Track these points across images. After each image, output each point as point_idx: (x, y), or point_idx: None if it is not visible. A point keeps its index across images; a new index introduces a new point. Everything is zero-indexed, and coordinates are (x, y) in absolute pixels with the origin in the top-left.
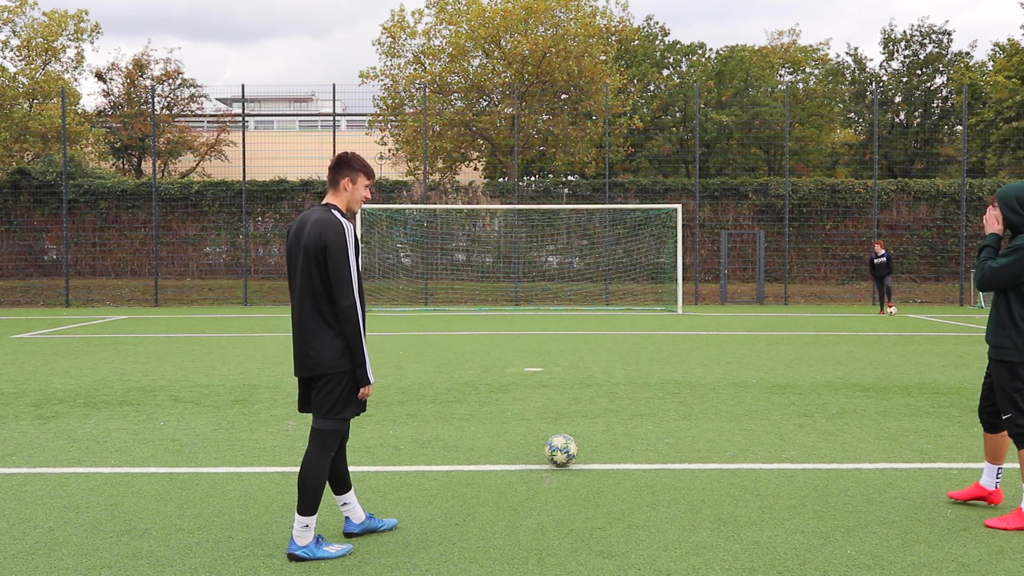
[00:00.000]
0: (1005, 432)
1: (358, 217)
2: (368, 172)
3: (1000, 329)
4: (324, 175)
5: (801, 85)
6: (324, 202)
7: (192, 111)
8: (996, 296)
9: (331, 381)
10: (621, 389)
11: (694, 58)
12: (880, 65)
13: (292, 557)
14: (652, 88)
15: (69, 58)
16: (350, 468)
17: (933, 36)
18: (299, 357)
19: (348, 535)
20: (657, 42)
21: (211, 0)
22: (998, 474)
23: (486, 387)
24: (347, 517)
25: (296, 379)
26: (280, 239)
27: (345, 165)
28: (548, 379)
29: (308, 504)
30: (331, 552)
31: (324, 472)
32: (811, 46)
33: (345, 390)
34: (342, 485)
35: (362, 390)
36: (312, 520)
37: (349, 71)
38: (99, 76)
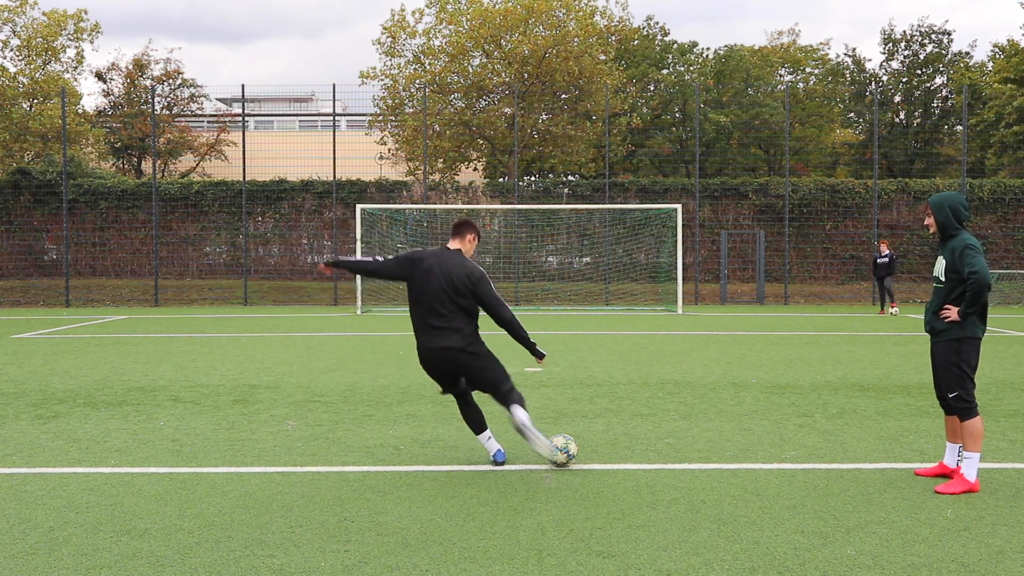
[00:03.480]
0: None
1: (358, 217)
2: (479, 233)
3: (943, 312)
4: (324, 175)
5: (801, 85)
6: (452, 247)
7: (192, 111)
8: (939, 285)
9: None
10: (621, 389)
11: (692, 57)
12: (880, 65)
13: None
14: (651, 88)
15: (69, 58)
16: (350, 467)
17: (933, 36)
18: (446, 352)
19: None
20: (657, 41)
21: (206, 2)
22: (960, 452)
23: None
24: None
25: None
26: (280, 238)
27: (471, 227)
28: (548, 379)
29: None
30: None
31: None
32: (811, 46)
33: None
34: (480, 426)
35: (540, 361)
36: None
37: (344, 71)
38: (99, 76)
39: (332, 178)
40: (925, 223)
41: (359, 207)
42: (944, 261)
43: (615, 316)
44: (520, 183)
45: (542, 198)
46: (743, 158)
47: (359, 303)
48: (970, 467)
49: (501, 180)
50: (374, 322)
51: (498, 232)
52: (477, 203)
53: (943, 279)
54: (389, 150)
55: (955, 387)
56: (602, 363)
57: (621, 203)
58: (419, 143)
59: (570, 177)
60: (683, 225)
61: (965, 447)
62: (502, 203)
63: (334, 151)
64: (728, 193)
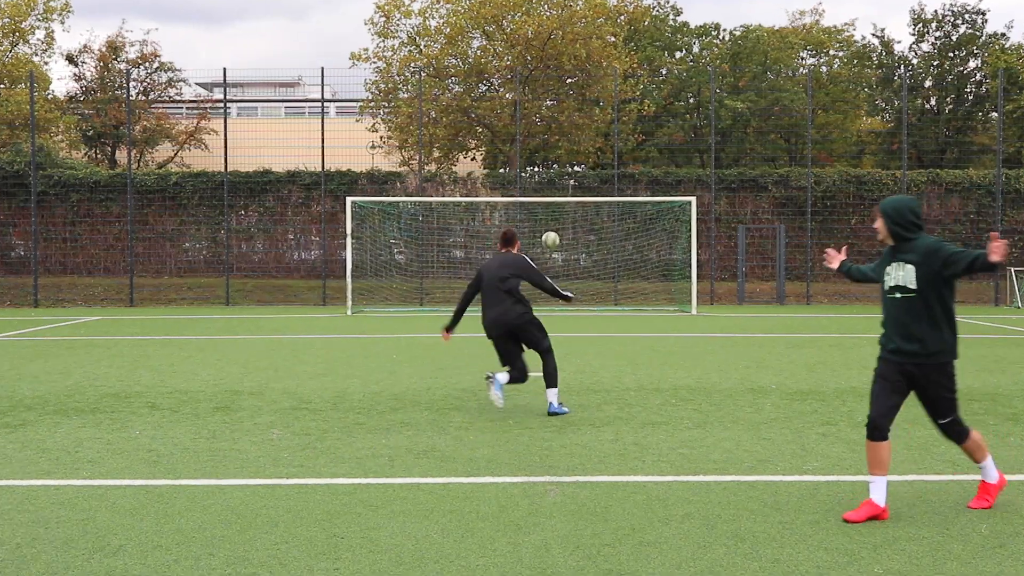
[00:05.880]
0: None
1: (348, 211)
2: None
3: (934, 332)
4: (312, 164)
5: (824, 69)
6: (507, 251)
7: (170, 97)
8: (906, 295)
9: (530, 324)
10: (631, 395)
11: (707, 39)
12: (909, 47)
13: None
14: (663, 72)
15: (38, 40)
16: (340, 479)
17: (966, 16)
18: (503, 321)
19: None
20: (669, 22)
21: None
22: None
23: (486, 394)
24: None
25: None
26: (264, 234)
27: (516, 238)
28: None
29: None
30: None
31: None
32: (835, 27)
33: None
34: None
35: (567, 303)
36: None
37: (333, 54)
38: (70, 59)
39: (320, 168)
40: (875, 226)
41: (349, 200)
42: (909, 267)
43: (624, 317)
44: (522, 174)
45: (546, 190)
46: (762, 147)
47: (349, 303)
48: (990, 471)
49: (502, 171)
50: (365, 323)
51: (498, 227)
52: (476, 195)
53: (913, 286)
54: (382, 138)
55: (950, 412)
56: (610, 367)
57: (631, 196)
58: (414, 131)
59: (576, 168)
60: (698, 219)
61: (976, 458)
62: (503, 195)
63: (322, 139)
64: (746, 185)
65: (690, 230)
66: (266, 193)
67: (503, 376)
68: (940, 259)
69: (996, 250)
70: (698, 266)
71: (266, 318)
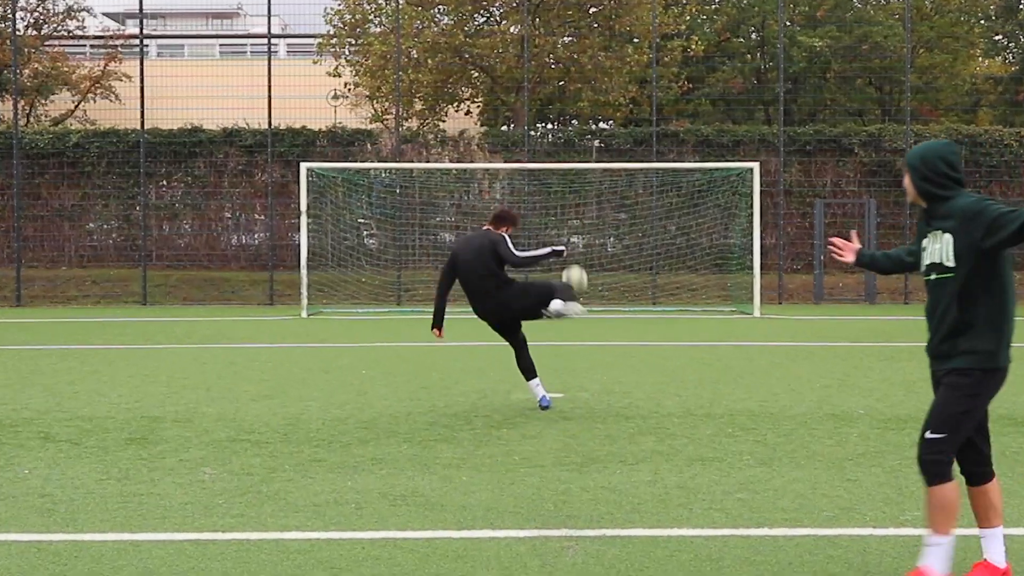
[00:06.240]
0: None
1: (302, 181)
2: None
3: (973, 328)
4: (257, 120)
5: None
6: (488, 229)
7: (69, 31)
8: (943, 276)
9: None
10: (674, 423)
11: None
12: None
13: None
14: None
15: None
16: (292, 533)
17: None
18: (497, 312)
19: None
20: None
21: None
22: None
23: (483, 421)
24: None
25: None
26: (194, 211)
27: (512, 220)
28: (571, 409)
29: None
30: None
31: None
32: None
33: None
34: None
35: (554, 256)
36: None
37: None
38: None
39: (267, 125)
40: (904, 184)
41: (304, 166)
42: (947, 237)
43: (665, 320)
44: (532, 133)
45: (563, 154)
46: (846, 98)
47: (304, 302)
48: (997, 548)
49: (505, 129)
50: (326, 328)
51: (500, 202)
52: (471, 160)
53: (951, 263)
54: (347, 86)
55: (939, 427)
56: (647, 386)
57: (674, 161)
58: (389, 76)
59: (603, 125)
60: (762, 192)
61: (984, 519)
62: (505, 160)
63: (269, 87)
64: (825, 147)
65: (751, 206)
66: (195, 158)
67: (539, 389)
68: (983, 224)
69: None
70: (762, 253)
71: (196, 322)
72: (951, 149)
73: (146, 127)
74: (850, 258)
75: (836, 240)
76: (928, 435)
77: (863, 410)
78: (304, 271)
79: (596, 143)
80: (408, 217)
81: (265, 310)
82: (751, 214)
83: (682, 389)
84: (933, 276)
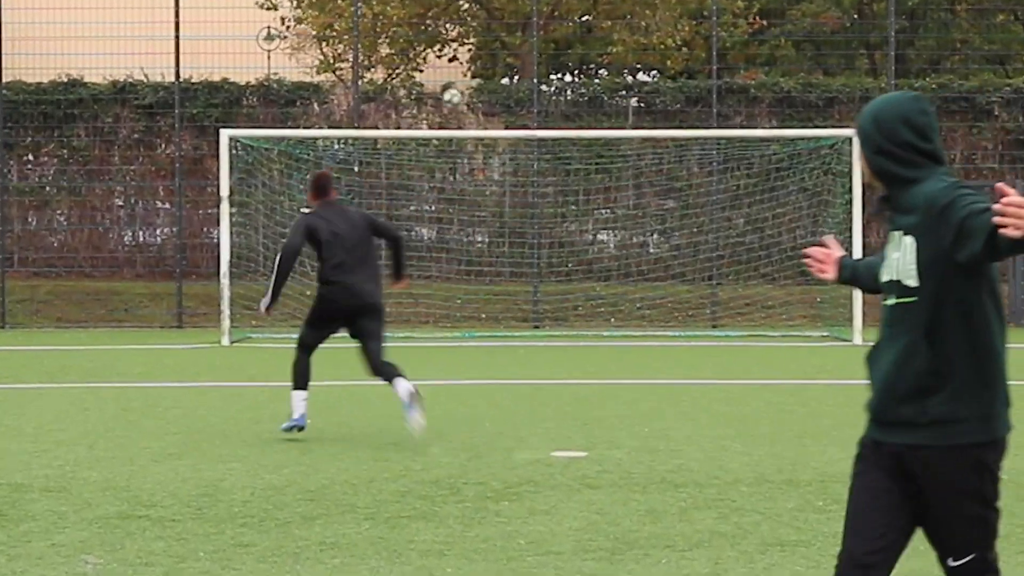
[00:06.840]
0: None
1: (223, 153)
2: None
3: (951, 380)
4: (159, 70)
5: None
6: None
7: None
8: (903, 300)
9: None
10: (741, 492)
11: None
12: None
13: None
14: None
15: None
16: None
17: None
18: (369, 293)
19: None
20: None
21: None
22: None
23: (478, 489)
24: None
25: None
26: (71, 197)
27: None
28: (598, 472)
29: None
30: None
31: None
32: None
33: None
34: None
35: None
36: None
37: None
38: None
39: (174, 77)
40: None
41: (226, 134)
42: (910, 241)
43: (730, 349)
44: (543, 88)
45: (586, 117)
46: (982, 39)
47: (227, 323)
48: None
49: (505, 83)
50: (255, 360)
51: (500, 184)
52: (459, 126)
53: (912, 281)
54: (284, 22)
55: (972, 547)
56: (706, 441)
57: (743, 127)
58: (345, 9)
59: (642, 76)
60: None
61: None
62: (507, 126)
63: (176, 24)
64: (953, 107)
65: (850, 190)
66: (74, 122)
67: (405, 387)
68: (953, 223)
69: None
70: (865, 256)
71: (75, 352)
72: (920, 107)
73: (3, 81)
74: (831, 274)
75: (813, 250)
76: (956, 562)
77: (1006, 475)
78: (226, 281)
79: (633, 102)
80: (372, 204)
81: (171, 335)
82: (850, 201)
83: (754, 445)
84: (891, 300)
